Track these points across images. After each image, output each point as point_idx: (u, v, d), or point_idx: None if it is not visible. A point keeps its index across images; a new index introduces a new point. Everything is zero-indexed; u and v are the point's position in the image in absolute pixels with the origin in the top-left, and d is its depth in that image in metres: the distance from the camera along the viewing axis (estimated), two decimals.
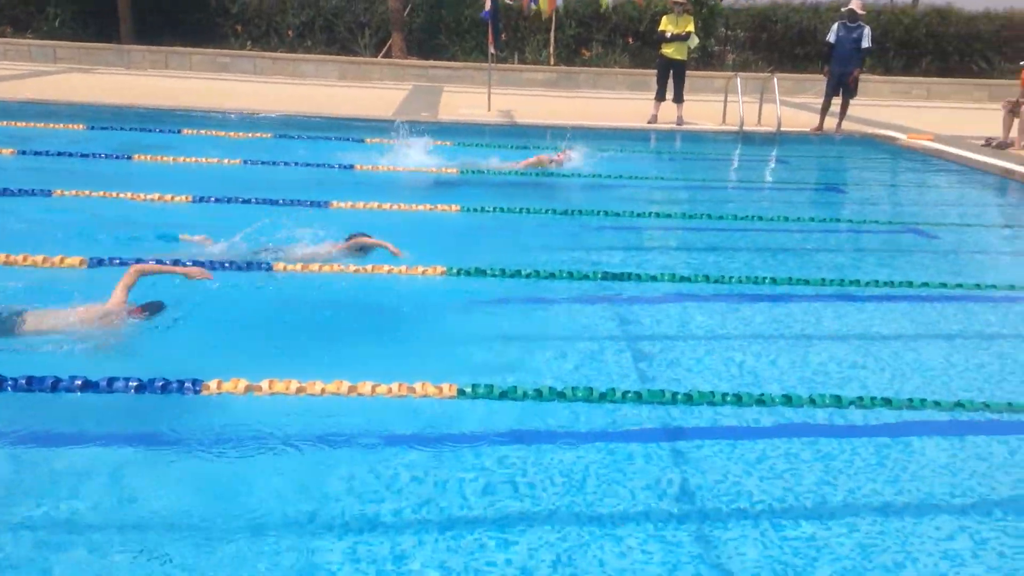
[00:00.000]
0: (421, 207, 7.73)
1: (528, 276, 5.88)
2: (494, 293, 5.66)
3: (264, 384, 3.98)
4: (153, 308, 4.67)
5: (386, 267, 5.76)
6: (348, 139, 11.45)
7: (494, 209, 7.79)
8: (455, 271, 5.84)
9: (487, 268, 5.89)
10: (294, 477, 3.37)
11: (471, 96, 16.97)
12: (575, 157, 10.21)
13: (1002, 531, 3.18)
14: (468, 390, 4.03)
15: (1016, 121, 12.73)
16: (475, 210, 7.72)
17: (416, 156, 10.01)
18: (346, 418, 3.83)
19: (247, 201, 7.60)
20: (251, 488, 3.28)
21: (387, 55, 21.41)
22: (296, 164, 9.56)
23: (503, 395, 4.02)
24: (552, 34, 21.59)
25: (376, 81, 20.07)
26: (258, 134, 11.47)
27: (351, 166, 9.57)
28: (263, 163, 9.52)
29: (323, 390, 3.97)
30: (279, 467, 3.44)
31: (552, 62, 21.60)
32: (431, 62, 21.09)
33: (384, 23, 21.68)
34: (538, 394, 4.05)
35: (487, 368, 4.39)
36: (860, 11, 13.52)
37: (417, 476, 3.41)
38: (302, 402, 3.92)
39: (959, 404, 4.10)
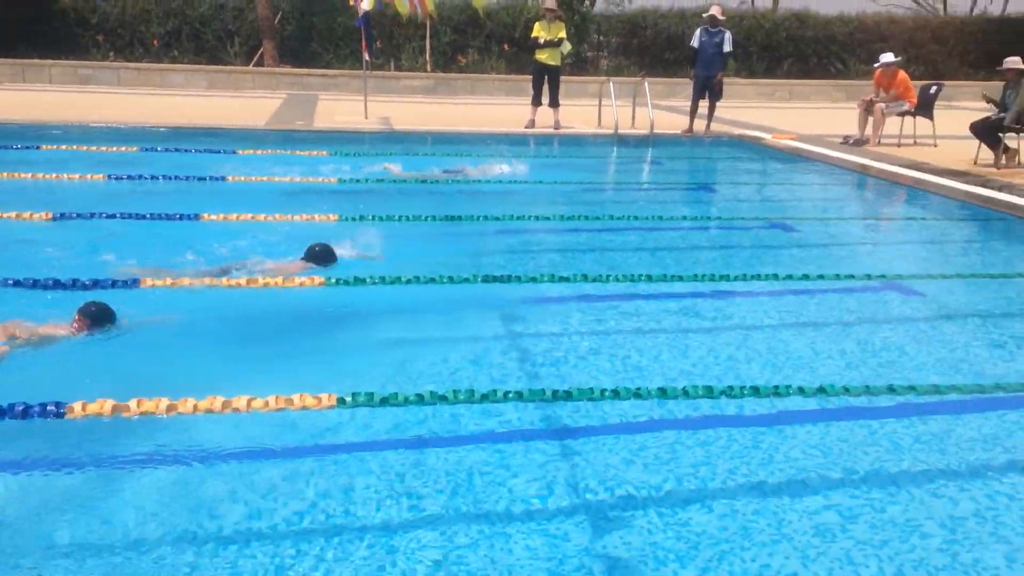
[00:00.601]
0: (298, 217, 7.59)
1: (408, 282, 5.85)
2: (374, 301, 5.61)
3: (132, 404, 3.83)
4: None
5: (261, 279, 5.63)
6: (219, 150, 11.14)
7: (373, 217, 7.71)
8: (333, 280, 5.76)
9: (366, 276, 5.83)
10: (169, 498, 3.24)
11: (348, 104, 16.78)
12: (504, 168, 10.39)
13: (868, 505, 3.34)
14: (348, 399, 3.97)
15: (870, 119, 13.43)
16: (353, 218, 7.63)
17: (292, 166, 9.84)
18: (223, 435, 3.72)
19: (111, 216, 7.31)
20: (124, 512, 3.14)
21: (259, 64, 20.96)
22: (164, 177, 9.24)
23: (384, 402, 3.98)
24: (428, 41, 21.58)
25: (248, 90, 19.62)
26: (123, 147, 11.04)
27: (223, 177, 9.32)
28: (129, 177, 9.17)
29: (196, 407, 3.85)
30: (153, 488, 3.31)
31: (429, 69, 21.58)
32: (305, 70, 20.77)
33: (254, 31, 21.22)
34: (419, 399, 4.02)
35: (369, 376, 4.34)
36: (720, 16, 14.03)
37: (299, 488, 3.34)
38: (174, 421, 3.79)
39: (821, 389, 4.29)
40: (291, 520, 3.14)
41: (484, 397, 4.09)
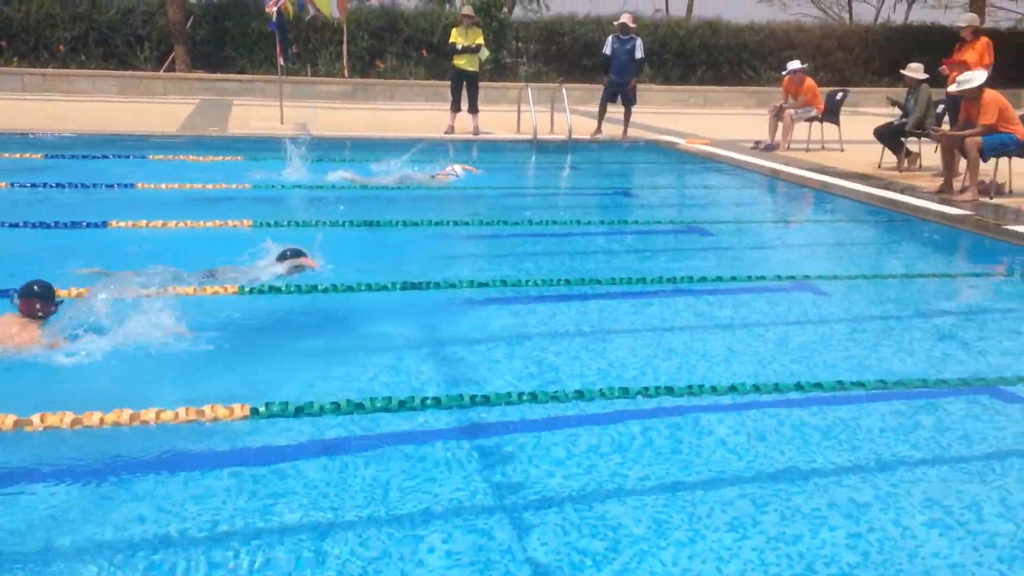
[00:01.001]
0: (211, 223, 7.44)
1: (325, 290, 5.78)
2: (289, 309, 5.52)
3: (35, 419, 3.69)
4: None
5: (171, 288, 5.50)
6: (128, 156, 10.85)
7: (288, 223, 7.61)
8: (247, 289, 5.66)
9: (281, 284, 5.74)
10: (76, 514, 3.13)
11: (263, 109, 16.53)
12: (460, 173, 10.40)
13: (781, 499, 3.41)
14: (262, 409, 3.90)
15: (780, 125, 13.81)
16: (269, 224, 7.51)
17: (206, 172, 9.64)
18: (132, 448, 3.61)
19: (15, 226, 7.05)
20: (26, 528, 3.03)
21: (170, 69, 20.50)
22: (71, 185, 8.95)
23: (299, 411, 3.92)
24: (345, 46, 21.39)
25: (159, 96, 19.16)
26: (27, 155, 10.67)
27: (132, 184, 9.07)
28: (33, 185, 8.86)
29: (102, 420, 3.73)
30: (56, 504, 3.19)
31: (346, 74, 21.39)
32: (218, 75, 20.39)
33: (165, 36, 20.74)
34: (336, 407, 3.98)
35: (284, 385, 4.28)
36: (631, 24, 14.27)
37: (213, 502, 3.26)
38: (79, 435, 3.67)
39: (733, 388, 4.38)
40: (205, 534, 3.06)
41: (402, 404, 4.06)
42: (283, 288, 5.72)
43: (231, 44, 21.39)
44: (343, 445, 3.75)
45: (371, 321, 5.45)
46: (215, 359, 4.58)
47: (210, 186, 9.32)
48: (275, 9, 13.42)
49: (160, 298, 4.91)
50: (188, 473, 3.46)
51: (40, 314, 4.60)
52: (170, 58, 20.64)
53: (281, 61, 14.72)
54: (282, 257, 6.04)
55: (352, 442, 3.78)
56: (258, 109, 16.78)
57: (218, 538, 3.04)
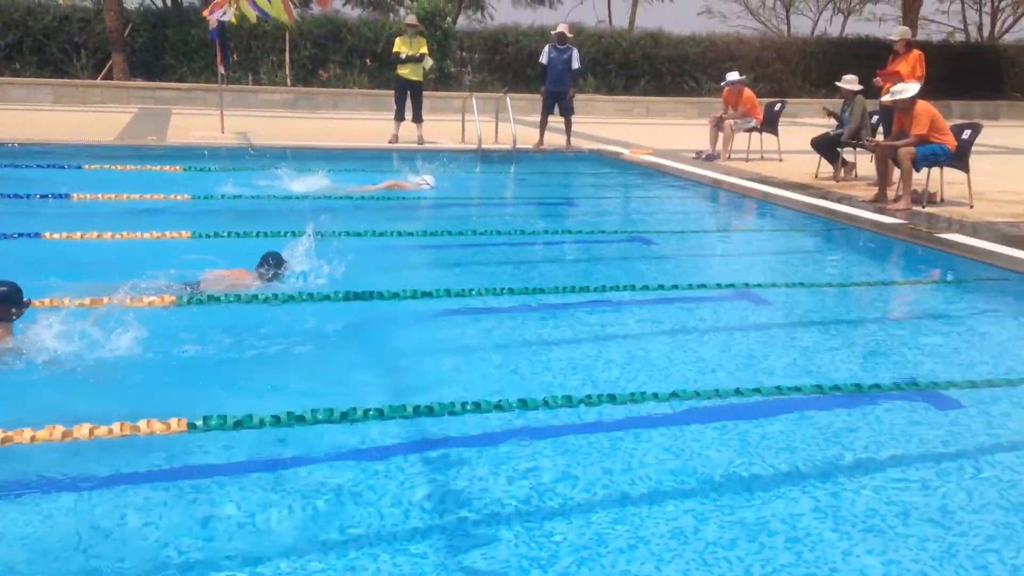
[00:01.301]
0: (148, 235, 7.30)
1: (266, 300, 5.71)
2: (227, 321, 5.43)
3: None
4: None
5: (105, 298, 5.37)
6: (64, 166, 10.60)
7: (228, 234, 7.50)
8: (185, 300, 5.56)
9: (220, 295, 5.65)
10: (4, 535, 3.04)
11: (203, 118, 16.29)
12: (432, 182, 10.42)
13: (718, 506, 3.45)
14: (199, 423, 3.83)
15: (721, 135, 14.01)
16: (208, 236, 7.39)
17: (144, 182, 9.47)
18: (65, 465, 3.52)
19: None
20: None
21: (107, 77, 20.11)
22: (3, 196, 8.71)
23: (238, 425, 3.86)
24: (287, 54, 21.21)
25: (97, 104, 18.78)
26: None
27: (67, 195, 8.87)
28: None
29: (33, 438, 3.63)
30: None
31: (289, 83, 21.21)
32: (157, 84, 20.07)
33: (103, 43, 20.36)
34: (276, 420, 3.92)
35: (224, 398, 4.21)
36: (568, 34, 14.38)
37: (150, 519, 3.18)
38: (8, 452, 3.56)
39: (674, 394, 4.42)
40: (141, 554, 2.99)
41: (344, 416, 4.02)
42: (221, 298, 5.63)
43: (170, 52, 21.07)
44: (284, 459, 3.69)
45: (313, 331, 5.38)
46: (152, 372, 4.49)
47: (148, 196, 9.14)
48: (216, 16, 13.24)
49: (94, 309, 4.80)
50: (124, 489, 3.38)
51: (14, 316, 4.53)
52: (107, 66, 20.25)
53: (222, 69, 14.54)
54: (264, 263, 5.99)
55: (294, 455, 3.72)
56: (198, 118, 16.54)
57: (155, 556, 2.98)
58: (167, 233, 7.36)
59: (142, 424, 3.77)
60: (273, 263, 6.00)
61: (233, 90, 19.18)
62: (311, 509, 3.30)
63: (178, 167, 10.97)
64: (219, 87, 15.01)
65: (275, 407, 4.07)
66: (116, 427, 3.73)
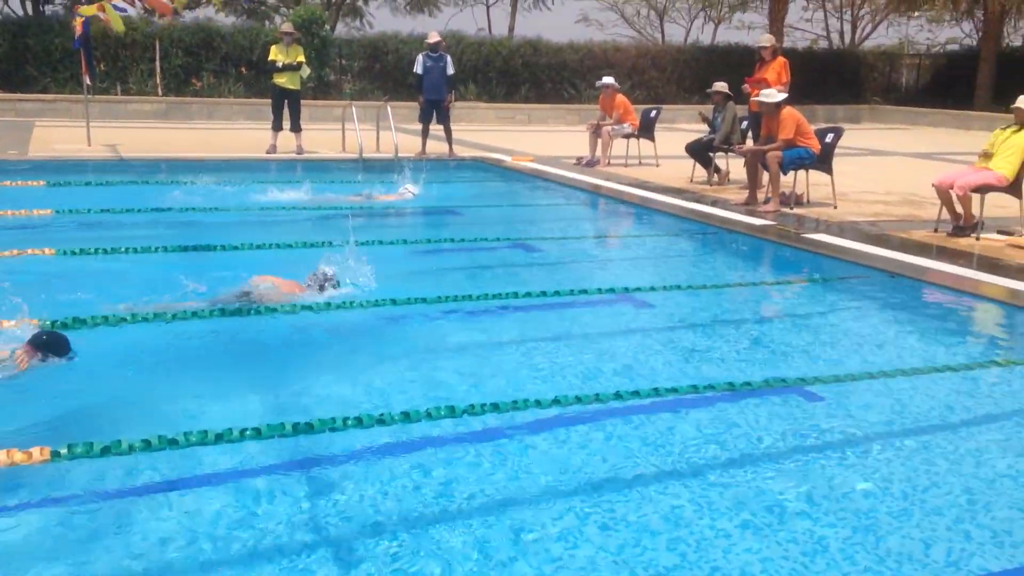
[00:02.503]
0: (6, 253, 6.93)
1: (135, 320, 5.50)
2: (95, 342, 5.21)
3: None
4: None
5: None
6: None
7: (96, 250, 7.20)
8: (48, 321, 5.30)
9: (87, 316, 5.41)
10: None
11: (68, 130, 15.59)
12: (415, 191, 10.77)
13: (605, 508, 3.50)
14: (64, 451, 3.65)
15: (599, 141, 14.28)
16: (73, 252, 7.08)
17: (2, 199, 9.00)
18: None
19: None
20: None
21: None
22: None
23: (105, 451, 3.70)
24: (158, 63, 20.53)
25: None
26: None
27: None
28: None
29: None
30: None
31: (160, 92, 20.53)
32: (19, 95, 19.12)
33: None
34: (146, 444, 3.78)
35: (89, 425, 4.03)
36: (440, 41, 14.41)
37: (11, 551, 3.02)
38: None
39: (556, 401, 4.48)
40: None
41: (219, 437, 3.90)
42: (87, 320, 5.39)
43: (33, 62, 20.10)
44: (156, 483, 3.56)
45: (184, 350, 5.22)
46: (6, 400, 4.27)
47: (8, 213, 8.69)
48: (80, 25, 12.71)
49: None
50: None
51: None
52: None
53: (87, 79, 13.96)
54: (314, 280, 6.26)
55: (167, 480, 3.60)
56: (63, 130, 15.82)
57: None
58: (28, 250, 7.00)
59: (2, 455, 3.57)
60: (323, 277, 6.21)
61: (101, 101, 18.45)
62: (189, 534, 3.19)
63: (40, 182, 10.46)
64: (85, 98, 14.41)
65: (143, 432, 3.93)
66: None
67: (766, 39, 12.38)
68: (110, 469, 3.64)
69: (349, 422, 4.12)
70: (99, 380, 4.71)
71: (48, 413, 4.22)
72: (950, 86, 29.11)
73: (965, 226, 8.85)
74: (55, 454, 3.64)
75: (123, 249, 7.28)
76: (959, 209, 8.86)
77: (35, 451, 3.63)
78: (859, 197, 11.41)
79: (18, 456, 3.60)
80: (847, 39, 36.64)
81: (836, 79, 29.07)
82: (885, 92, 31.26)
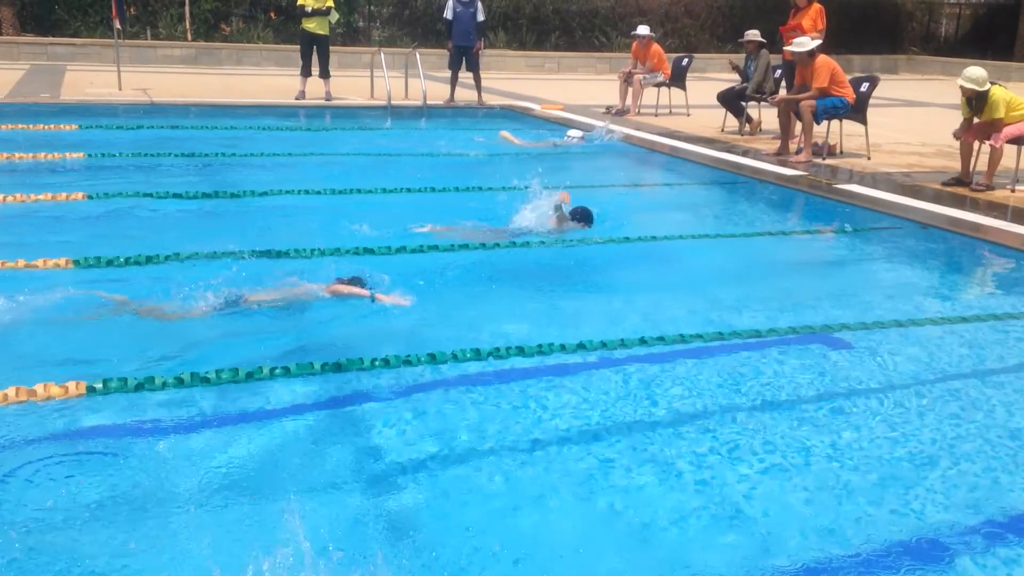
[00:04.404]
0: (42, 197, 7.02)
1: (167, 259, 5.57)
2: (130, 281, 5.28)
3: None
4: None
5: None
6: None
7: (124, 194, 7.27)
8: (83, 261, 5.38)
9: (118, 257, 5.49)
10: None
11: (100, 75, 15.64)
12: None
13: (628, 450, 3.53)
14: (99, 386, 3.73)
15: (630, 90, 14.11)
16: (105, 195, 7.16)
17: (36, 142, 9.08)
18: None
19: None
20: None
21: None
22: None
23: (139, 387, 3.78)
24: (187, 8, 20.48)
25: None
26: None
27: None
28: None
29: None
30: None
31: (189, 38, 20.50)
32: (50, 39, 19.18)
33: None
34: (179, 381, 3.85)
35: (126, 361, 4.11)
36: None
37: (50, 485, 3.10)
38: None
39: (581, 345, 4.50)
40: (41, 520, 2.92)
41: (249, 375, 3.97)
42: (118, 260, 5.47)
43: (63, 6, 20.11)
44: (189, 420, 3.64)
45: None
46: (46, 338, 4.36)
47: (41, 156, 8.78)
48: None
49: None
50: (21, 455, 3.29)
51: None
52: None
53: (117, 24, 13.96)
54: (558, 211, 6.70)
55: (202, 415, 3.67)
56: (94, 75, 15.88)
57: (55, 520, 2.92)
58: (61, 195, 7.09)
59: (39, 388, 3.67)
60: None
61: (130, 45, 18.46)
62: (223, 470, 3.27)
63: (73, 126, 10.53)
64: (115, 42, 14.42)
65: (170, 369, 4.00)
66: (12, 391, 3.62)
67: None
68: (138, 406, 3.72)
69: (377, 363, 4.16)
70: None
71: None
72: (991, 36, 28.36)
73: (968, 182, 8.79)
74: (90, 389, 3.72)
75: (154, 194, 7.35)
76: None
77: (71, 385, 3.71)
78: (893, 148, 11.23)
79: (54, 390, 3.69)
80: None
81: (874, 28, 28.40)
82: (924, 42, 30.54)
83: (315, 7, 13.69)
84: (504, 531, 2.98)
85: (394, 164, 9.80)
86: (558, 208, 6.70)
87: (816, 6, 11.55)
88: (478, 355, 4.33)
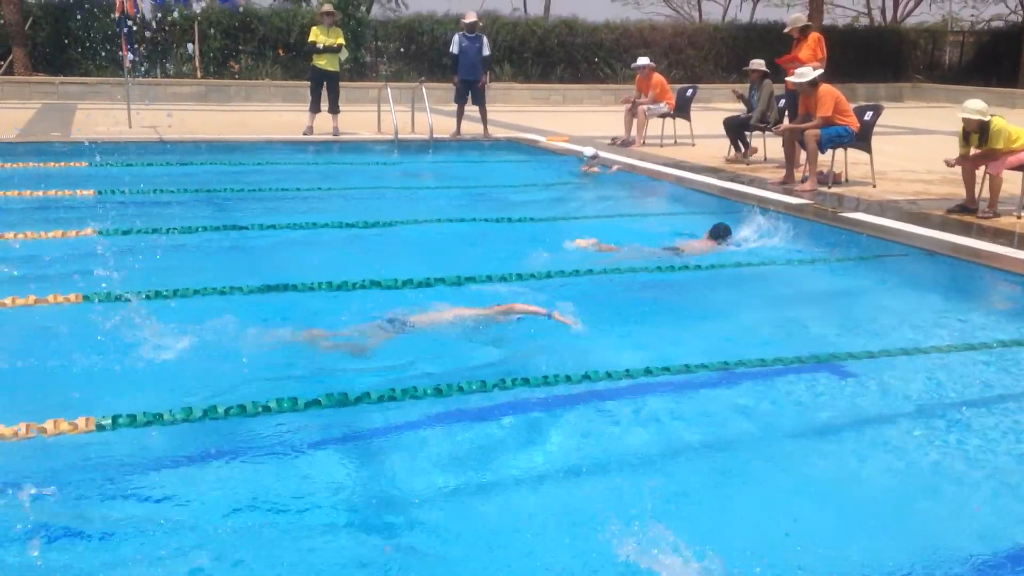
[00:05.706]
0: (52, 234, 7.10)
1: (177, 295, 5.62)
2: (139, 316, 5.32)
3: None
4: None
5: (10, 299, 5.22)
6: None
7: (136, 231, 7.35)
8: (95, 297, 5.43)
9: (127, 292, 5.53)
10: None
11: (110, 113, 15.81)
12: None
13: (635, 485, 3.54)
14: (107, 423, 3.76)
15: (635, 121, 14.21)
16: (115, 232, 7.23)
17: (48, 180, 9.19)
18: None
19: None
20: None
21: (8, 72, 19.40)
22: None
23: (149, 423, 3.81)
24: (197, 46, 20.75)
25: None
26: None
27: None
28: None
29: None
30: None
31: (199, 75, 20.76)
32: (61, 78, 19.45)
33: (3, 37, 19.61)
34: (187, 413, 3.88)
35: (134, 395, 4.14)
36: (476, 21, 14.40)
37: (61, 521, 3.12)
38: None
39: (586, 376, 4.51)
40: (52, 559, 2.94)
41: (263, 408, 3.99)
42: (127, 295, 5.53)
43: (74, 45, 20.41)
44: (198, 455, 3.66)
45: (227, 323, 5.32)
46: (56, 373, 4.40)
47: (52, 193, 8.89)
48: (124, 8, 12.91)
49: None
50: (30, 491, 3.30)
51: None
52: (8, 60, 19.54)
53: (129, 57, 14.17)
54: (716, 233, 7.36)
55: (205, 452, 3.69)
56: (104, 113, 16.05)
57: (65, 558, 2.93)
58: (70, 232, 7.17)
59: (48, 425, 3.70)
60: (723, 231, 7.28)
61: (140, 83, 18.68)
62: (234, 505, 3.28)
63: (83, 163, 10.66)
64: (125, 80, 14.61)
65: (179, 403, 4.03)
66: (22, 428, 3.65)
67: (792, 19, 11.99)
68: (148, 441, 3.74)
69: (384, 397, 4.18)
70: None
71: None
72: (995, 64, 28.48)
73: (974, 208, 8.82)
74: (99, 426, 3.74)
75: (164, 230, 7.42)
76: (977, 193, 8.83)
77: (80, 421, 3.74)
78: (898, 176, 11.26)
79: (64, 426, 3.71)
80: (888, 16, 36.00)
81: (877, 57, 28.58)
82: (928, 70, 30.69)
83: (327, 44, 13.86)
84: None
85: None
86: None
87: (814, 35, 11.63)
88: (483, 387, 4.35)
